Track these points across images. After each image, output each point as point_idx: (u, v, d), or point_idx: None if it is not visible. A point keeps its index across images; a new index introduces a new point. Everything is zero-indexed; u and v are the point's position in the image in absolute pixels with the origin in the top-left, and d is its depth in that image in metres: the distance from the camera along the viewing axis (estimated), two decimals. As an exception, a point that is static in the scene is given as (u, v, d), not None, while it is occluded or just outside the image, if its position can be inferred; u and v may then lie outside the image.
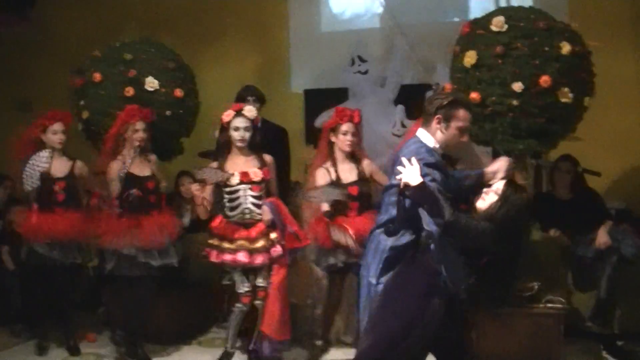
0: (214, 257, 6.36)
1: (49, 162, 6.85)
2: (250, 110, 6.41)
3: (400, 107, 8.38)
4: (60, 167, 6.95)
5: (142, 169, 6.75)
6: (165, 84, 7.35)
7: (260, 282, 6.35)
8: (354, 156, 6.61)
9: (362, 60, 8.76)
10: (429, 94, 7.96)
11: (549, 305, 6.30)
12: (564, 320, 6.25)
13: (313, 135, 8.14)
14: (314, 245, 6.47)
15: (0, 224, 8.30)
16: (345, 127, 6.48)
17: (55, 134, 6.91)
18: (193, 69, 7.82)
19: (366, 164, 6.60)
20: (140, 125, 6.68)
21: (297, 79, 9.48)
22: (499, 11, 6.46)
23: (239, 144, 6.35)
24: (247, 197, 6.31)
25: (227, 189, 6.32)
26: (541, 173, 7.44)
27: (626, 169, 6.95)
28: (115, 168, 6.65)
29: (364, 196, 6.51)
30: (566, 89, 6.04)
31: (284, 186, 7.11)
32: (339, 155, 6.56)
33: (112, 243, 6.52)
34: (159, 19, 9.74)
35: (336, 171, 6.52)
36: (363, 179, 6.53)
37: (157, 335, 7.25)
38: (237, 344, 6.60)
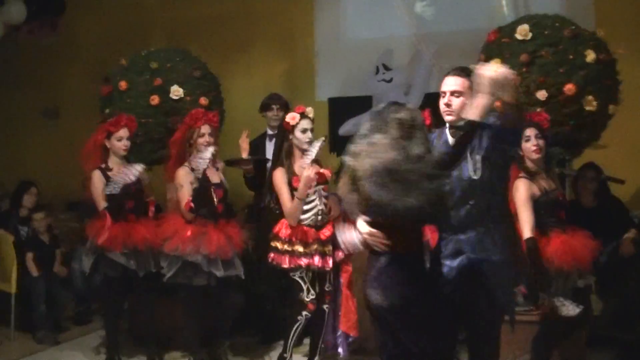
0: (286, 262, 6.11)
1: (137, 176, 6.67)
2: (311, 111, 6.30)
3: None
4: (124, 170, 6.75)
5: (212, 176, 6.58)
6: (190, 92, 7.38)
7: (328, 286, 6.22)
8: None
9: (386, 68, 8.74)
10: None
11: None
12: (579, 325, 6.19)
13: (337, 143, 8.14)
14: None
15: (26, 231, 8.38)
16: None
17: (120, 140, 6.73)
18: (219, 77, 7.84)
19: None
20: (205, 129, 6.47)
21: (322, 87, 9.49)
22: (524, 19, 6.47)
23: (306, 146, 6.19)
24: (322, 198, 6.18)
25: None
26: (565, 181, 7.40)
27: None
28: (182, 174, 6.44)
29: None
30: (591, 97, 6.04)
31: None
32: None
33: (178, 249, 6.36)
34: (186, 27, 9.80)
35: None
36: None
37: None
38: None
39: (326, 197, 6.21)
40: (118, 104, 7.42)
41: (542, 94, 6.06)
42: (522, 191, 5.46)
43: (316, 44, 9.60)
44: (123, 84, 7.35)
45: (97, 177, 6.69)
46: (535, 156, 5.60)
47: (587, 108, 5.99)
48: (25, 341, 7.89)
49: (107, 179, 6.66)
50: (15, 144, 10.85)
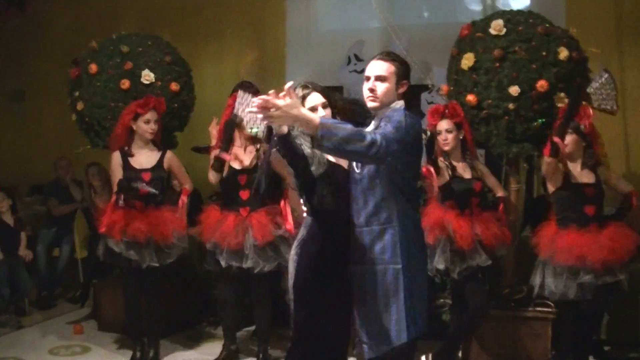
0: None
1: None
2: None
3: (395, 107, 8.37)
4: (147, 157, 6.60)
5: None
6: (161, 77, 7.34)
7: None
8: None
9: (358, 59, 8.74)
10: (425, 95, 7.99)
11: (538, 308, 6.32)
12: (553, 323, 6.28)
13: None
14: None
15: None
16: None
17: (147, 123, 6.51)
18: (190, 64, 7.80)
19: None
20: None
21: (293, 76, 9.41)
22: (498, 14, 6.49)
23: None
24: None
25: None
26: (533, 177, 7.45)
27: (622, 174, 6.95)
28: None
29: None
30: (562, 94, 6.07)
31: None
32: None
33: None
34: (157, 13, 9.73)
35: None
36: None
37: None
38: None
39: None
40: (87, 87, 7.34)
41: (514, 90, 6.09)
42: None
43: (287, 33, 9.56)
44: (93, 67, 7.27)
45: (115, 159, 6.54)
46: (445, 148, 6.15)
47: (559, 105, 6.01)
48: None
49: (126, 162, 6.49)
50: (-21, 127, 10.74)
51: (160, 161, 6.61)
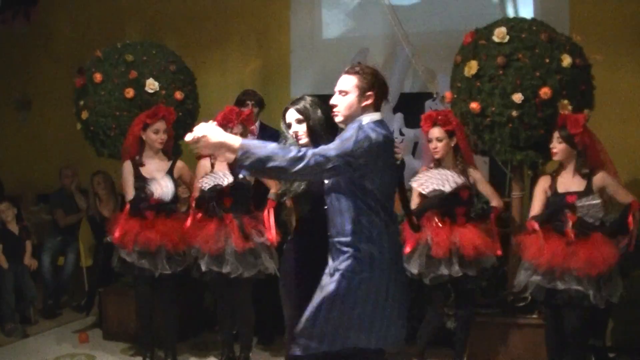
0: None
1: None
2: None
3: (399, 115, 8.39)
4: (157, 167, 6.66)
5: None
6: (165, 85, 7.35)
7: None
8: None
9: (362, 67, 8.75)
10: (429, 102, 7.99)
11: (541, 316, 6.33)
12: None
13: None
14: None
15: None
16: None
17: (156, 132, 6.58)
18: (194, 72, 7.81)
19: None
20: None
21: (297, 84, 9.47)
22: (502, 22, 6.48)
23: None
24: None
25: None
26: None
27: (625, 181, 6.94)
28: (204, 166, 6.54)
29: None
30: (566, 101, 6.06)
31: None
32: None
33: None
34: (162, 21, 9.77)
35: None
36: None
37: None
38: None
39: None
40: (92, 96, 7.35)
41: (517, 97, 6.08)
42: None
43: (291, 41, 9.58)
44: (98, 76, 7.29)
45: (126, 168, 6.60)
46: (435, 156, 6.21)
47: (562, 112, 6.01)
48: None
49: (137, 171, 6.55)
50: (-14, 135, 10.76)
51: (170, 170, 6.66)
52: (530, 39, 6.23)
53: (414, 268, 6.06)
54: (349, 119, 4.37)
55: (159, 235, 6.41)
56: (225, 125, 6.31)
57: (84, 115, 7.39)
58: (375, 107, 4.42)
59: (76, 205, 8.90)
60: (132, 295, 6.95)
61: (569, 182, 5.87)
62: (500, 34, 6.25)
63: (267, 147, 4.06)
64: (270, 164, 4.02)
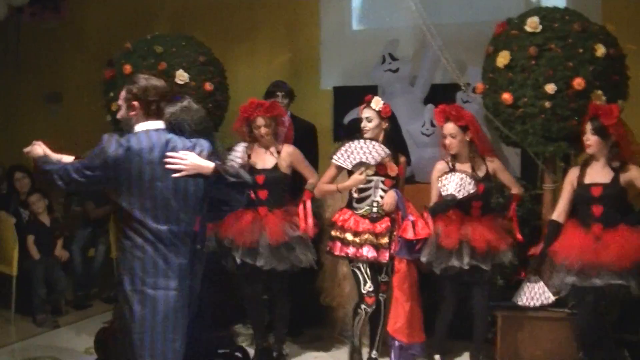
0: (337, 249, 6.18)
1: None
2: (377, 102, 6.18)
3: (430, 107, 8.29)
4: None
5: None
6: (195, 77, 7.34)
7: (383, 277, 6.18)
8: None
9: (393, 58, 8.68)
10: (460, 94, 7.93)
11: (574, 310, 6.25)
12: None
13: (342, 132, 8.11)
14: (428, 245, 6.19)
15: (27, 214, 8.36)
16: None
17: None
18: (224, 64, 7.79)
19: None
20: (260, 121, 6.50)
21: (327, 76, 9.46)
22: (534, 12, 6.42)
23: (366, 135, 6.18)
24: (379, 189, 6.14)
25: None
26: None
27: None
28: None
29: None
30: (600, 92, 5.99)
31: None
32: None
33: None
34: (190, 14, 9.77)
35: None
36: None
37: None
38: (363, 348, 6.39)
39: (384, 191, 6.14)
40: (121, 88, 7.29)
41: (550, 88, 6.02)
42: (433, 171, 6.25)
43: (321, 32, 9.56)
44: (127, 68, 7.29)
45: None
46: (451, 152, 6.22)
47: (595, 103, 5.94)
48: (25, 324, 7.93)
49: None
50: (17, 128, 10.78)
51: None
52: (562, 28, 6.16)
53: (424, 256, 6.12)
54: (130, 131, 4.39)
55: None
56: (247, 117, 6.48)
57: (114, 107, 7.38)
58: (148, 115, 4.39)
59: (106, 197, 8.91)
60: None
61: (597, 173, 5.79)
62: (532, 24, 6.19)
63: (54, 162, 4.42)
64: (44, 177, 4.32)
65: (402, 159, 6.32)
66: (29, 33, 10.46)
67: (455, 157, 6.25)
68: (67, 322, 8.00)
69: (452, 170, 6.18)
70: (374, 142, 6.06)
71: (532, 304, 6.13)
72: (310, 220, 6.34)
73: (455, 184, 6.05)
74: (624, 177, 5.72)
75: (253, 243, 6.30)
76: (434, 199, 6.27)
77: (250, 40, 9.62)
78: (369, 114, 6.17)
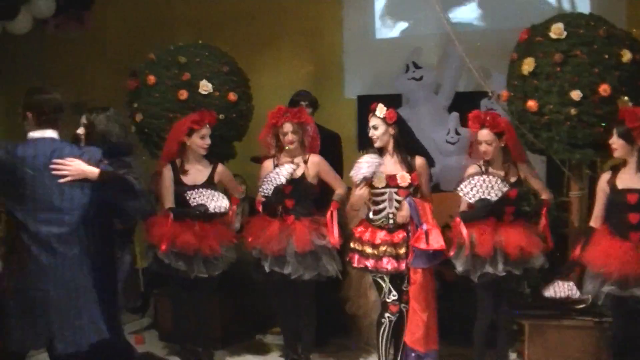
0: (355, 261, 6.19)
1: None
2: (380, 109, 6.13)
3: (455, 115, 8.29)
4: (198, 173, 6.68)
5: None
6: (218, 87, 7.36)
7: (405, 285, 6.10)
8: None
9: (416, 66, 8.67)
10: (484, 101, 7.90)
11: (604, 319, 6.19)
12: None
13: (366, 141, 8.10)
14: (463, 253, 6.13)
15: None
16: None
17: (203, 138, 6.58)
18: (247, 73, 7.81)
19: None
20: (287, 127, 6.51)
21: (351, 84, 9.45)
22: (558, 18, 6.38)
23: (376, 144, 6.18)
24: (393, 200, 6.11)
25: (374, 191, 6.13)
26: (596, 183, 7.31)
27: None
28: (266, 167, 6.63)
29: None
30: (626, 98, 5.94)
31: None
32: None
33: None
34: (213, 24, 9.77)
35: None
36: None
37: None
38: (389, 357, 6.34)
39: (399, 202, 6.09)
40: (145, 98, 7.39)
41: (576, 95, 5.98)
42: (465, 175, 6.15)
43: (344, 41, 9.56)
44: (151, 79, 7.32)
45: (166, 174, 6.64)
46: (486, 158, 6.15)
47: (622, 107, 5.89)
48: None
49: (178, 177, 6.59)
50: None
51: (211, 175, 6.69)
52: (588, 34, 6.12)
53: (459, 266, 6.06)
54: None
55: (197, 239, 6.41)
56: (275, 124, 6.48)
57: (138, 117, 7.42)
58: (39, 125, 4.75)
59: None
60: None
61: (631, 178, 5.68)
62: (557, 30, 6.15)
63: None
64: None
65: (419, 161, 6.18)
66: (53, 44, 10.51)
67: (489, 163, 6.18)
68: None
69: (484, 173, 6.12)
70: (497, 178, 6.02)
71: (558, 295, 6.02)
72: (337, 231, 6.33)
73: (482, 187, 5.99)
74: None
75: (281, 251, 6.31)
76: (463, 205, 6.22)
77: (274, 49, 9.63)
78: (375, 122, 6.13)
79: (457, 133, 8.22)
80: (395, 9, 9.32)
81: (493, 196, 5.95)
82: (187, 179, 6.60)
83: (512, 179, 6.13)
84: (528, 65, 6.21)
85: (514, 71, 6.46)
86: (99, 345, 4.73)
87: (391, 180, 6.09)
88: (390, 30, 9.35)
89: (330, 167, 6.60)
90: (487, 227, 6.03)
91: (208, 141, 6.60)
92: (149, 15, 10.20)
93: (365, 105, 8.70)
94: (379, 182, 6.10)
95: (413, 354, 6.13)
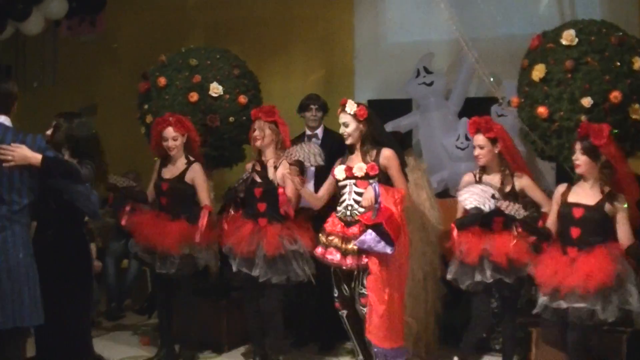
0: (317, 250, 6.18)
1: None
2: (350, 105, 6.05)
3: (465, 120, 8.28)
4: (171, 168, 6.79)
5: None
6: (229, 90, 7.37)
7: (360, 289, 5.96)
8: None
9: (427, 71, 8.68)
10: (495, 107, 7.89)
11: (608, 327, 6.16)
12: (626, 340, 6.12)
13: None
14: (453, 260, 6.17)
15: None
16: None
17: (165, 140, 6.71)
18: (258, 77, 7.81)
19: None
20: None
21: (362, 89, 9.46)
22: (570, 25, 6.37)
23: (347, 141, 6.12)
24: (352, 193, 6.02)
25: (338, 184, 6.10)
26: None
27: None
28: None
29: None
30: (637, 105, 5.95)
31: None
32: None
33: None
34: (224, 28, 9.82)
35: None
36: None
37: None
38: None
39: (359, 194, 5.96)
40: (156, 100, 7.40)
41: (587, 102, 5.96)
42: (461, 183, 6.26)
43: (355, 46, 9.57)
44: (162, 81, 7.33)
45: (155, 166, 6.93)
46: (479, 163, 6.17)
47: (633, 116, 5.89)
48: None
49: (160, 172, 6.81)
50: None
51: (183, 174, 6.74)
52: (599, 41, 6.10)
53: (449, 274, 6.16)
54: None
55: (157, 236, 6.57)
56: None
57: (148, 119, 7.43)
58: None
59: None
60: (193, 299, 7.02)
61: (584, 193, 5.62)
62: (568, 37, 6.14)
63: None
64: None
65: (386, 152, 6.01)
66: (66, 46, 10.56)
67: (483, 169, 6.18)
68: (99, 333, 7.99)
69: (478, 182, 6.12)
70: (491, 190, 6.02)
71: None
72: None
73: (479, 196, 5.95)
74: (608, 208, 5.51)
75: (250, 253, 6.32)
76: (459, 213, 6.22)
77: (285, 53, 9.65)
78: (345, 119, 6.06)
79: (467, 139, 8.20)
80: (406, 15, 9.32)
81: (487, 208, 5.91)
82: (165, 173, 6.79)
83: (507, 188, 6.08)
84: (539, 72, 6.20)
85: (524, 77, 6.44)
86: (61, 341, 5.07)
87: (349, 172, 6.03)
88: (401, 35, 9.35)
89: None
90: (474, 235, 6.03)
91: (170, 143, 6.69)
92: (162, 20, 10.24)
93: (376, 109, 8.74)
94: (339, 175, 6.07)
95: (376, 349, 5.99)
